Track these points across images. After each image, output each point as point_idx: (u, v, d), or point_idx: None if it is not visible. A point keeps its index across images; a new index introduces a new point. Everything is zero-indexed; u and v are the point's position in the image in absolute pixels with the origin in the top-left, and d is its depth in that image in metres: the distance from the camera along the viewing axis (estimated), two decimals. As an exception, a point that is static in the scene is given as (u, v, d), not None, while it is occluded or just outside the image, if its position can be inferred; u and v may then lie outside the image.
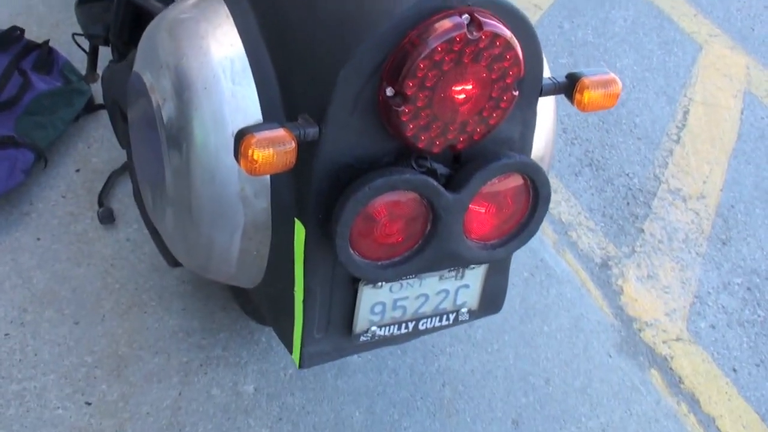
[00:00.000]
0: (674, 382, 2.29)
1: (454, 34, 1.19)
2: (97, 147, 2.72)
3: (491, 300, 1.55)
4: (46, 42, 2.74)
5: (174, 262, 2.00)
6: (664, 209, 2.77)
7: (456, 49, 1.20)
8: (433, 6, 1.20)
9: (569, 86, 1.38)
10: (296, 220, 1.35)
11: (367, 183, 1.25)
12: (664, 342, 2.40)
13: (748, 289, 2.56)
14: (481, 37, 1.21)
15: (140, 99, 1.47)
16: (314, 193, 1.29)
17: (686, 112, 3.14)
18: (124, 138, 2.21)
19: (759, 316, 2.49)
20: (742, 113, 3.18)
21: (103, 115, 2.77)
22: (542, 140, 1.48)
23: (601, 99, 1.37)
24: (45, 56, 2.72)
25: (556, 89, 1.38)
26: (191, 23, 1.38)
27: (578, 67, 3.19)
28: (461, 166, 1.34)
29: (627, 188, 2.83)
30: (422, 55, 1.19)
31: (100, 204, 2.49)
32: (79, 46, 2.55)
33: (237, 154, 1.19)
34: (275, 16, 1.34)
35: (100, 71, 2.50)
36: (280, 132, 1.20)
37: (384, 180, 1.25)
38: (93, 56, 2.45)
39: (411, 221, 1.33)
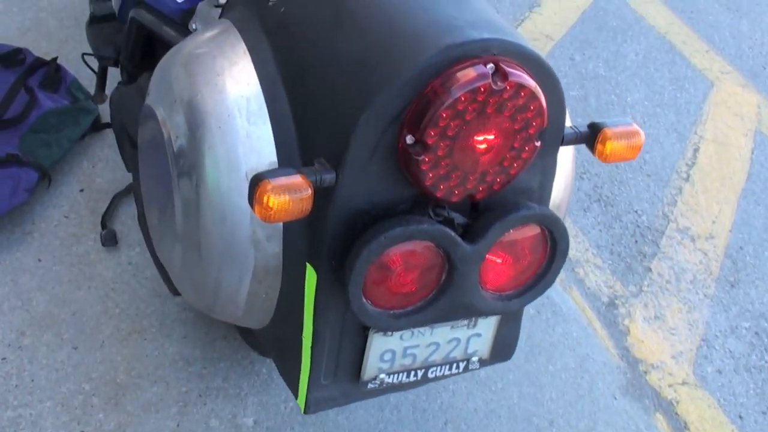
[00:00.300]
0: (680, 427, 2.25)
1: (478, 84, 1.16)
2: (101, 167, 2.68)
3: (502, 348, 1.51)
4: (54, 59, 2.71)
5: (177, 291, 1.96)
6: (672, 248, 2.73)
7: (480, 99, 1.17)
8: (457, 54, 1.17)
9: (591, 136, 1.35)
10: (308, 264, 1.31)
11: (383, 232, 1.21)
12: (670, 385, 2.35)
13: (756, 333, 2.53)
14: (505, 87, 1.17)
15: (152, 132, 1.43)
16: (328, 239, 1.25)
17: (696, 150, 3.11)
18: (130, 162, 2.17)
19: (766, 362, 2.45)
20: (752, 153, 3.15)
21: (109, 134, 2.74)
22: (560, 187, 1.44)
23: (624, 151, 1.34)
24: (52, 74, 2.68)
25: (577, 139, 1.34)
26: (207, 59, 1.35)
27: (588, 100, 3.16)
28: (479, 216, 1.30)
29: (635, 225, 2.79)
30: (445, 105, 1.16)
31: (103, 226, 2.45)
32: (88, 66, 2.52)
33: (252, 199, 1.16)
34: (294, 56, 1.30)
35: (108, 91, 2.46)
36: (296, 178, 1.16)
37: (401, 230, 1.22)
38: (102, 77, 2.42)
39: (426, 271, 1.29)
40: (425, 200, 1.27)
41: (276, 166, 1.30)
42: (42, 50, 2.99)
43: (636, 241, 2.73)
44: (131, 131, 2.04)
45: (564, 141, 1.34)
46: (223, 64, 1.34)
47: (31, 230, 2.46)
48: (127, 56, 2.13)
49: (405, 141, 1.20)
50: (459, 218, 1.30)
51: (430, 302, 1.32)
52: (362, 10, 1.26)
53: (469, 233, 1.29)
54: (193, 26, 1.72)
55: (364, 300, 1.26)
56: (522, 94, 1.19)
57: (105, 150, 2.73)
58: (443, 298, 1.31)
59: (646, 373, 2.38)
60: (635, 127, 1.34)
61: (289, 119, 1.31)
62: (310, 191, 1.16)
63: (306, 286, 1.33)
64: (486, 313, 1.38)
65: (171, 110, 1.36)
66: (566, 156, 1.46)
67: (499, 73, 1.18)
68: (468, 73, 1.16)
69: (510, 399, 2.24)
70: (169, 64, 1.42)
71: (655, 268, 2.67)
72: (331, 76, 1.24)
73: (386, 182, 1.24)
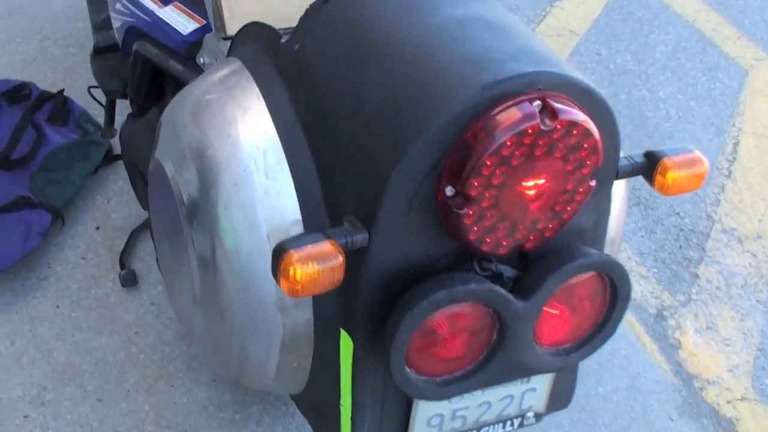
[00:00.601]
0: (743, 448, 2.09)
1: (524, 125, 1.00)
2: (116, 201, 2.55)
3: (559, 399, 1.36)
4: (61, 92, 2.58)
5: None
6: (719, 251, 2.56)
7: (527, 142, 1.02)
8: (499, 93, 1.01)
9: (649, 167, 1.19)
10: (342, 331, 1.17)
11: (425, 296, 1.07)
12: (728, 402, 2.19)
13: (816, 340, 2.35)
14: (555, 126, 1.02)
15: (161, 186, 1.29)
16: (363, 304, 1.11)
17: (736, 144, 2.93)
18: (145, 199, 2.03)
19: (830, 370, 2.28)
20: (795, 143, 2.97)
21: (123, 167, 2.60)
22: (614, 221, 1.29)
23: (686, 181, 1.18)
24: (60, 107, 2.55)
25: (633, 171, 1.19)
26: (217, 106, 1.20)
27: (619, 96, 2.99)
28: (530, 266, 1.15)
29: (678, 229, 2.63)
30: (488, 151, 1.01)
31: (122, 266, 2.31)
32: (94, 99, 2.39)
33: (276, 272, 1.01)
34: (314, 100, 1.16)
35: (117, 125, 2.33)
36: (324, 245, 1.01)
37: (445, 293, 1.07)
38: (110, 110, 2.28)
39: (475, 332, 1.14)
40: (470, 252, 1.12)
41: (300, 224, 1.15)
42: (48, 81, 2.86)
43: (680, 246, 2.57)
44: (142, 169, 1.91)
45: (618, 174, 1.18)
46: (235, 111, 1.20)
47: (47, 275, 2.33)
48: (134, 90, 2.00)
49: (444, 193, 1.05)
50: (508, 271, 1.15)
51: (480, 365, 1.17)
52: (386, 47, 1.11)
53: (521, 287, 1.14)
54: (201, 60, 1.58)
55: (407, 369, 1.12)
56: (574, 132, 1.04)
57: (119, 183, 2.60)
58: (495, 360, 1.16)
59: (702, 389, 2.22)
60: (697, 154, 1.18)
61: (312, 171, 1.16)
62: (341, 259, 1.01)
63: (341, 353, 1.19)
64: (542, 371, 1.23)
65: (180, 165, 1.22)
66: (619, 185, 1.31)
67: (547, 111, 1.03)
68: (512, 114, 1.01)
69: (562, 427, 2.09)
70: (175, 112, 1.27)
71: (703, 273, 2.51)
72: (357, 123, 1.09)
73: (425, 237, 1.10)
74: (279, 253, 1.01)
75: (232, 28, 1.51)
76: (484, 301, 1.11)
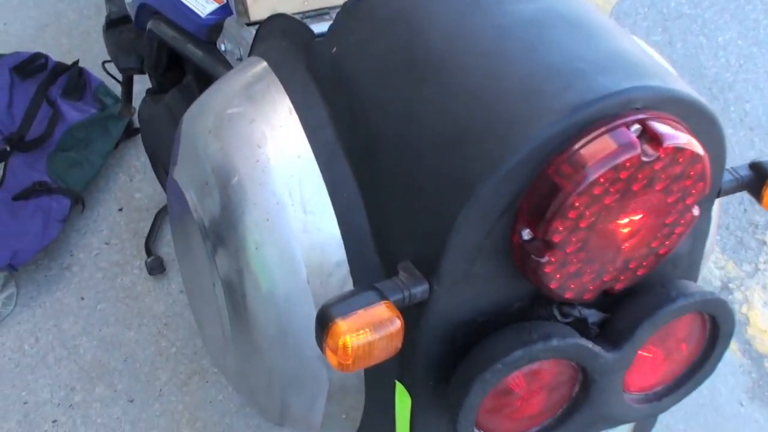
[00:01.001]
0: (822, 436, 1.90)
1: (622, 158, 0.80)
2: (139, 179, 2.37)
3: (641, 434, 1.18)
4: (76, 63, 2.38)
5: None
6: (787, 215, 2.34)
7: (624, 176, 0.82)
8: (588, 117, 0.81)
9: (756, 181, 0.99)
10: (398, 383, 0.99)
11: (499, 357, 0.88)
12: (803, 384, 2.00)
13: None
14: (658, 156, 0.81)
15: (182, 212, 1.10)
16: (423, 359, 0.93)
17: (803, 93, 2.68)
18: (163, 183, 1.85)
19: None
20: None
21: (145, 140, 2.41)
22: (709, 239, 1.09)
23: (800, 195, 0.97)
24: (75, 79, 2.36)
25: (738, 187, 0.99)
26: (242, 123, 1.01)
27: (675, 44, 2.73)
28: (618, 307, 0.96)
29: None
30: (577, 191, 0.81)
31: (148, 253, 2.14)
32: (109, 74, 2.19)
33: (321, 342, 0.83)
34: (359, 118, 0.96)
35: (136, 102, 2.13)
36: (379, 308, 0.83)
37: (522, 353, 0.88)
38: (127, 87, 2.08)
39: (554, 389, 0.96)
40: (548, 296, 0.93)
41: (345, 265, 0.97)
42: (63, 48, 2.66)
43: (745, 210, 2.35)
44: (164, 160, 1.72)
45: (721, 192, 0.98)
46: (264, 130, 1.00)
47: (70, 263, 2.17)
48: (151, 67, 1.80)
49: (521, 236, 0.85)
50: (593, 315, 0.96)
51: (559, 421, 1.00)
52: (447, 55, 0.91)
53: (609, 334, 0.95)
54: (223, 47, 1.37)
55: (476, 431, 0.94)
56: (680, 159, 0.84)
57: (141, 159, 2.42)
58: (577, 415, 0.99)
59: (773, 370, 2.03)
60: None
61: (357, 204, 0.97)
62: (399, 324, 0.83)
63: (397, 407, 1.01)
64: (630, 421, 1.05)
65: (202, 193, 1.03)
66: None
67: (648, 136, 0.83)
68: (606, 145, 0.81)
69: (623, 419, 1.91)
70: (194, 127, 1.08)
71: (770, 240, 2.29)
72: (413, 150, 0.89)
73: (495, 282, 0.91)
74: (324, 321, 0.82)
75: (256, 13, 1.30)
76: (568, 358, 0.93)
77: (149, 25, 1.65)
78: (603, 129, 0.82)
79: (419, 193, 0.89)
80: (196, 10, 1.45)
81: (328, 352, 0.83)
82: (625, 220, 0.87)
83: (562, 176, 0.82)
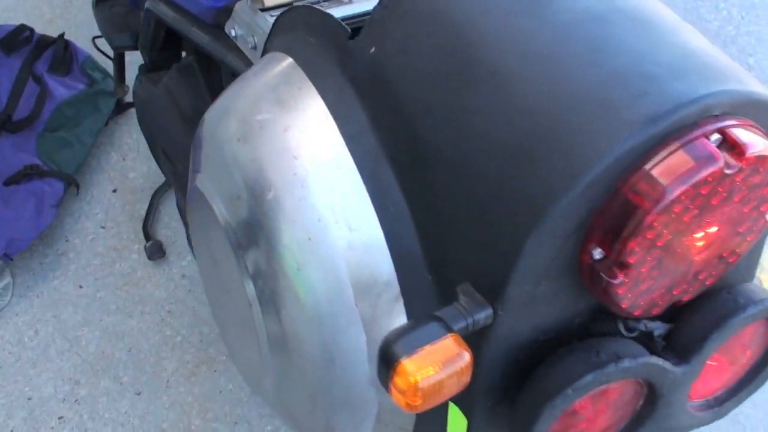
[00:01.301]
0: None
1: (703, 174, 0.74)
2: (133, 158, 2.27)
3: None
4: (62, 36, 2.25)
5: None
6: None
7: (704, 192, 0.75)
8: (664, 130, 0.74)
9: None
10: (451, 404, 0.93)
11: (568, 382, 0.83)
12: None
13: None
14: (741, 167, 0.75)
15: (208, 223, 1.02)
16: (483, 382, 0.87)
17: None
18: (168, 170, 1.77)
19: None
20: None
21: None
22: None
23: None
24: (62, 53, 2.24)
25: None
26: (275, 132, 0.93)
27: None
28: (682, 316, 0.90)
29: None
30: (655, 210, 0.74)
31: (147, 237, 2.06)
32: (100, 51, 2.07)
33: (387, 383, 0.76)
34: (404, 127, 0.88)
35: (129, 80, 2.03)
36: (446, 342, 0.76)
37: (593, 377, 0.83)
38: (119, 65, 1.98)
39: (620, 406, 0.90)
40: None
41: (394, 285, 0.90)
42: (45, 18, 2.53)
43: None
44: (164, 145, 1.63)
45: None
46: (300, 139, 0.92)
47: (66, 249, 2.08)
48: (147, 47, 1.69)
49: (591, 256, 0.78)
50: (659, 328, 0.90)
51: (623, 437, 0.94)
52: (502, 58, 0.83)
53: (676, 347, 0.90)
54: (233, 32, 1.28)
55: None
56: (760, 168, 0.77)
57: (134, 135, 2.32)
58: (641, 430, 0.93)
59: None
60: None
61: (405, 218, 0.89)
62: (468, 358, 0.77)
63: (450, 427, 0.95)
64: (693, 429, 0.99)
65: (234, 208, 0.95)
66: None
67: (728, 145, 0.76)
68: (686, 159, 0.74)
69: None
70: (219, 132, 0.99)
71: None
72: (473, 165, 0.82)
73: (559, 301, 0.85)
74: (389, 360, 0.76)
75: (271, -3, 1.20)
76: (638, 377, 0.87)
77: (147, 4, 1.54)
78: (681, 141, 0.75)
79: (481, 211, 0.82)
80: (201, -7, 1.35)
81: (395, 393, 0.77)
82: (700, 234, 0.81)
83: (639, 194, 0.75)
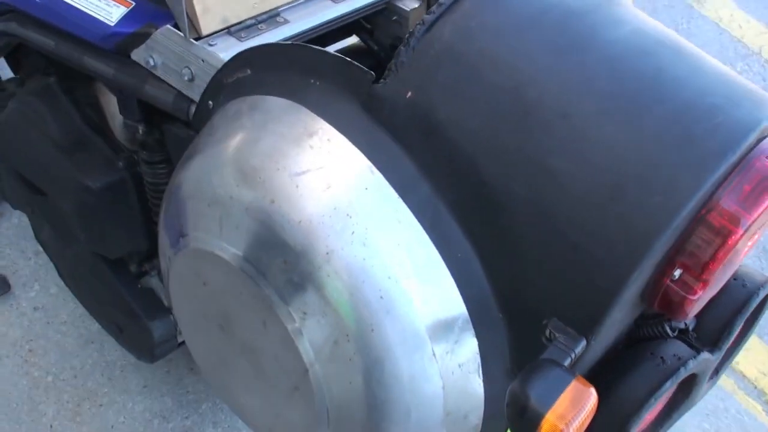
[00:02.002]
0: None
1: None
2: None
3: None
4: None
5: (153, 356, 1.52)
6: None
7: (773, 206, 0.83)
8: (740, 157, 0.81)
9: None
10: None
11: (649, 392, 0.90)
12: None
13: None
14: None
15: (218, 290, 0.95)
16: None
17: None
18: (16, 196, 1.59)
19: None
20: None
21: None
22: None
23: None
24: None
25: None
26: (318, 190, 0.88)
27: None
28: (706, 308, 0.99)
29: None
30: (741, 231, 0.81)
31: (-14, 273, 1.84)
32: None
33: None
34: (464, 171, 0.87)
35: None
36: (576, 385, 0.79)
37: (671, 382, 0.91)
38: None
39: (667, 397, 0.99)
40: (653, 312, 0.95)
41: (469, 330, 0.90)
42: None
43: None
44: (26, 173, 1.47)
45: None
46: (349, 196, 0.88)
47: None
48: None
49: (671, 277, 0.85)
50: (691, 323, 0.99)
51: (660, 421, 1.03)
52: (569, 100, 0.84)
53: (705, 336, 0.99)
54: (151, 61, 1.17)
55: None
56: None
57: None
58: (675, 413, 1.02)
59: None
60: None
61: (474, 262, 0.90)
62: (595, 393, 0.80)
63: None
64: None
65: (278, 273, 0.89)
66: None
67: None
68: (760, 183, 0.81)
69: None
70: (230, 194, 0.91)
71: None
72: (557, 206, 0.84)
73: (624, 317, 0.90)
74: (532, 419, 0.77)
75: (207, 25, 1.12)
76: (695, 372, 0.95)
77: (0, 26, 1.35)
78: (756, 164, 0.82)
79: (571, 250, 0.84)
80: (99, 17, 1.21)
81: None
82: (750, 242, 0.89)
83: (724, 218, 0.81)
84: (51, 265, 1.72)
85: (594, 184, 0.81)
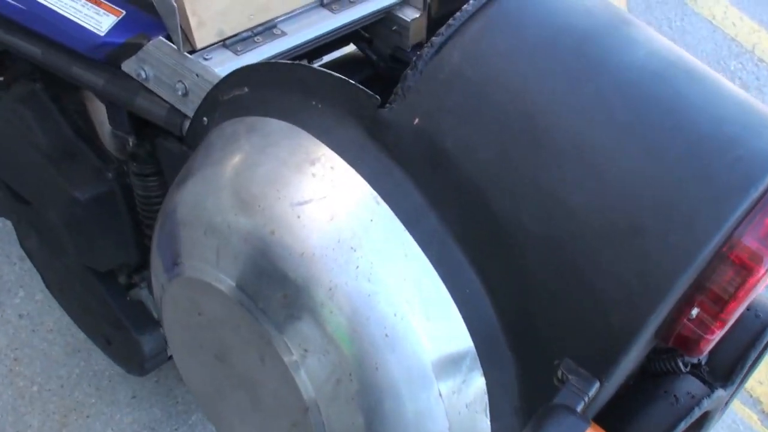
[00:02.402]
0: None
1: None
2: None
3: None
4: None
5: (143, 370, 1.48)
6: None
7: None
8: (761, 192, 0.77)
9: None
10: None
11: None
12: None
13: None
14: None
15: (212, 320, 0.91)
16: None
17: None
18: (3, 206, 1.54)
19: None
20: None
21: None
22: None
23: None
24: None
25: None
26: (321, 221, 0.84)
27: None
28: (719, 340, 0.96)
29: None
30: (763, 270, 0.78)
31: (-31, 279, 1.78)
32: None
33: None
34: (472, 201, 0.83)
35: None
36: (591, 434, 0.75)
37: (685, 423, 0.88)
38: None
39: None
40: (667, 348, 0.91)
41: (476, 366, 0.86)
42: None
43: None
44: (7, 177, 1.42)
45: None
46: (353, 227, 0.84)
47: None
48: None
49: (689, 316, 0.81)
50: (703, 357, 0.95)
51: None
52: (583, 130, 0.80)
53: (718, 371, 0.96)
54: (142, 74, 1.12)
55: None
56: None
57: None
58: None
59: None
60: None
61: (482, 298, 0.86)
62: None
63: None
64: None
65: (277, 307, 0.85)
66: None
67: None
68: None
69: None
70: (228, 221, 0.87)
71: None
72: (572, 243, 0.80)
73: (638, 355, 0.87)
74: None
75: (203, 38, 1.07)
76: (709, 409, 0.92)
77: (-15, 32, 1.29)
78: None
79: (586, 289, 0.80)
80: (87, 26, 1.16)
81: None
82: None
83: (746, 257, 0.78)
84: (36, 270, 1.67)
85: (610, 219, 0.77)
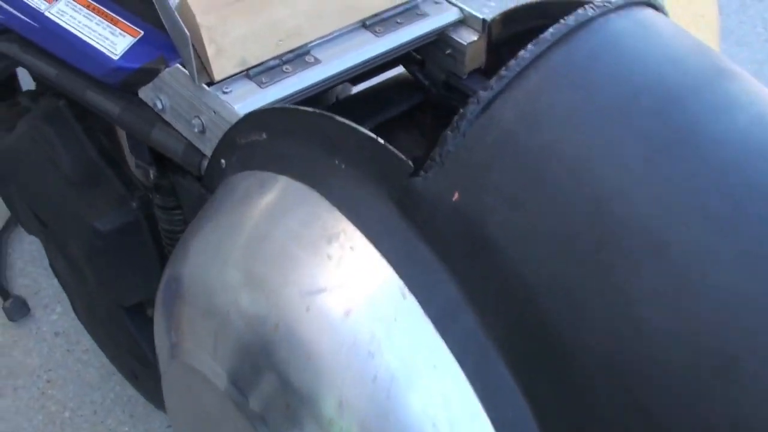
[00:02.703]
0: None
1: None
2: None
3: None
4: None
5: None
6: None
7: None
8: None
9: None
10: None
11: None
12: None
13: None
14: None
15: (213, 410, 0.76)
16: None
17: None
18: (32, 225, 1.43)
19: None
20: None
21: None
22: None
23: None
24: None
25: None
26: (335, 318, 0.68)
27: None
28: None
29: None
30: None
31: (4, 294, 1.69)
32: None
33: None
34: (519, 305, 0.66)
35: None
36: None
37: None
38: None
39: None
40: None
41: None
42: None
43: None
44: (34, 206, 1.31)
45: None
46: (372, 328, 0.68)
47: None
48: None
49: None
50: None
51: None
52: (669, 229, 0.62)
53: None
54: (158, 103, 0.98)
55: None
56: None
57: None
58: None
59: None
60: None
61: (528, 422, 0.68)
62: None
63: None
64: None
65: (278, 419, 0.70)
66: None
67: None
68: None
69: None
70: (232, 310, 0.72)
71: None
72: (642, 371, 0.62)
73: None
74: None
75: (222, 69, 0.92)
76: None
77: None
78: None
79: (655, 427, 0.62)
80: (100, 48, 1.02)
81: None
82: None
83: None
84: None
85: (694, 348, 0.59)
